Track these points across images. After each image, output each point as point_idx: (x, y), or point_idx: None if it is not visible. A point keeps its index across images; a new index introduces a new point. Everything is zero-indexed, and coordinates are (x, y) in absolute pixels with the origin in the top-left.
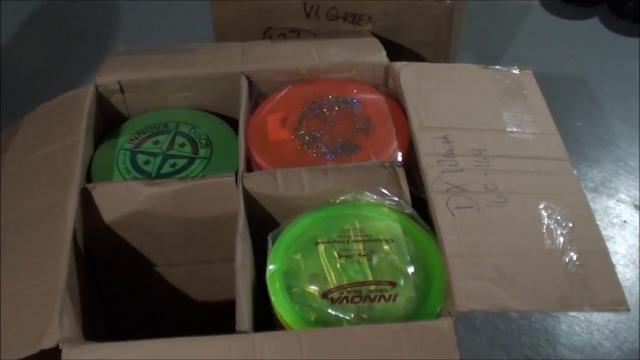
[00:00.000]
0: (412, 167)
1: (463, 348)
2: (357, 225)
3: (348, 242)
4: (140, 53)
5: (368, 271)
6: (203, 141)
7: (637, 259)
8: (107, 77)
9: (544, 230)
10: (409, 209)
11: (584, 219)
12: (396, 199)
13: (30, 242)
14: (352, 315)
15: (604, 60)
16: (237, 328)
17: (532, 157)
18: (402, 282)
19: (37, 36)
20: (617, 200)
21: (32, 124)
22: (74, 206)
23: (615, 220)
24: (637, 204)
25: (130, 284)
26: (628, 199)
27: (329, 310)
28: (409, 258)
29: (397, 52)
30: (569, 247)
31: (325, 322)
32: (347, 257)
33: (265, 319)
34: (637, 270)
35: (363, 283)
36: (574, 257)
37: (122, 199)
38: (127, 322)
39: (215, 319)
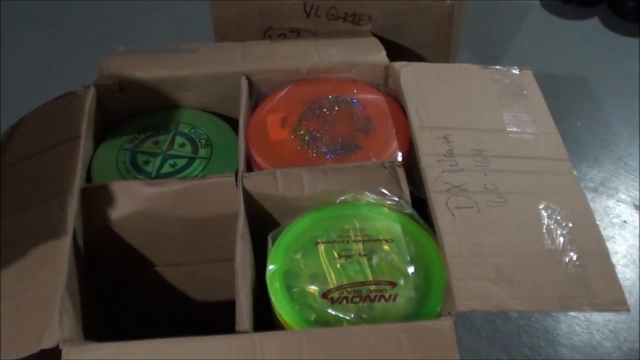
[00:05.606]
0: (412, 167)
1: (463, 348)
2: (357, 225)
3: (348, 242)
4: (140, 53)
5: (368, 271)
6: (203, 141)
7: (637, 259)
8: (107, 77)
9: (544, 230)
10: (409, 209)
11: (584, 219)
12: (396, 199)
13: (30, 241)
14: (352, 315)
15: (604, 60)
16: (237, 328)
17: (532, 157)
18: (402, 282)
19: (37, 36)
20: (617, 200)
21: (32, 124)
22: (74, 206)
23: (615, 220)
24: (637, 204)
25: (130, 284)
26: (628, 199)
27: (329, 310)
28: (409, 258)
29: (397, 52)
30: (569, 247)
31: (325, 322)
32: (347, 257)
33: (265, 319)
34: (637, 270)
35: (363, 283)
36: (574, 257)
37: (122, 199)
38: (128, 322)
39: (215, 319)
